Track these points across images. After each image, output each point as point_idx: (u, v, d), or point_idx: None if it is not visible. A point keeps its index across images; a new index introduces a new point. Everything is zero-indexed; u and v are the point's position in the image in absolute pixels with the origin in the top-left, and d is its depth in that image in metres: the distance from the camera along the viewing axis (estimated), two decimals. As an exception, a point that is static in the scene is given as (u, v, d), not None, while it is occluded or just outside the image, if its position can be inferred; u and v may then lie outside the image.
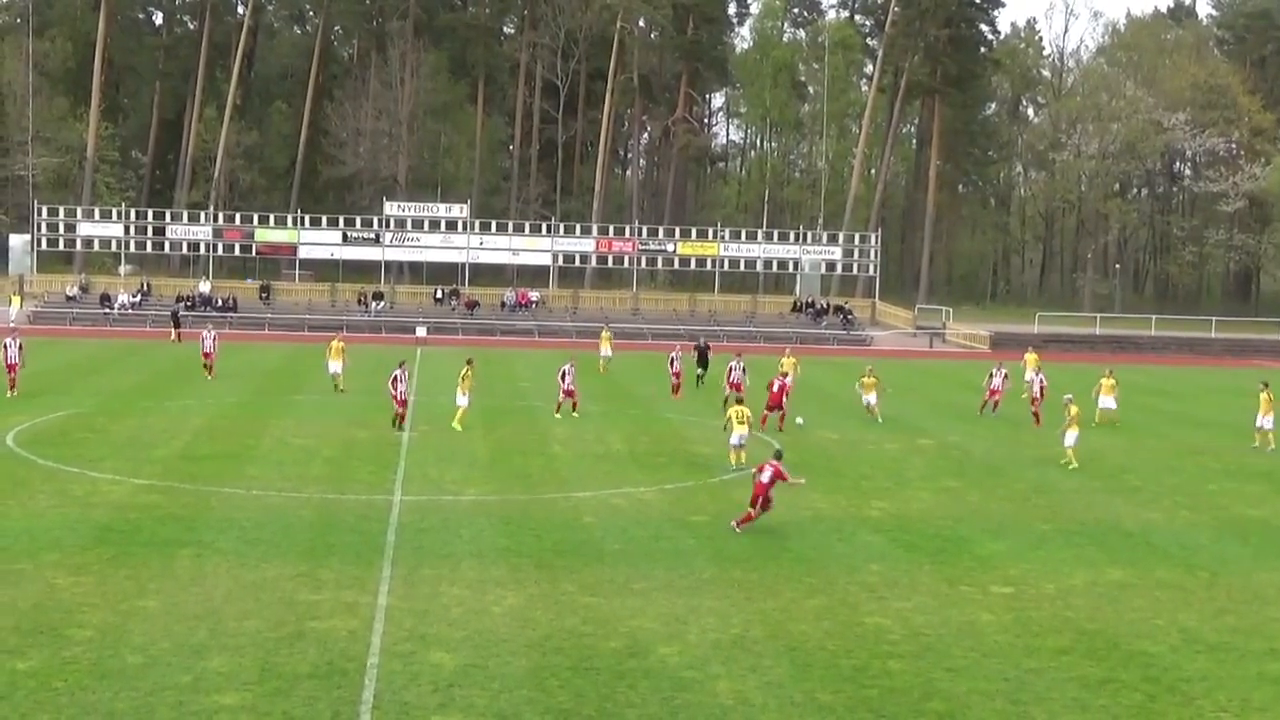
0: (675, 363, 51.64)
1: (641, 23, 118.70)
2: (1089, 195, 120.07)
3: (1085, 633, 21.06)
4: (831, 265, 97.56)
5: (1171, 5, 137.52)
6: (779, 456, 27.83)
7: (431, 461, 34.70)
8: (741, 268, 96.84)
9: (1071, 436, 37.26)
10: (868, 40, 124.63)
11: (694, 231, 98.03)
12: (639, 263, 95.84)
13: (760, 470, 27.60)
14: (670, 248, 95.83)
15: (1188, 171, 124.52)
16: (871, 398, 45.54)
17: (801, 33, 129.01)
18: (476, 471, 33.57)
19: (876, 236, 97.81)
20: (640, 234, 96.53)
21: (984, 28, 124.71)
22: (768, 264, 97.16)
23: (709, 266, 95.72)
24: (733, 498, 31.03)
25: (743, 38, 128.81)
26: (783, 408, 42.72)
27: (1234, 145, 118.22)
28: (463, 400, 40.40)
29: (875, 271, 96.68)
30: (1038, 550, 26.75)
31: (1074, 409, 37.67)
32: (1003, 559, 25.83)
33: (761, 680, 18.21)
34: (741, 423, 34.64)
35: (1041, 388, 47.62)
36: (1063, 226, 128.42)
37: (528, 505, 29.50)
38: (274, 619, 20.16)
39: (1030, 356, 54.05)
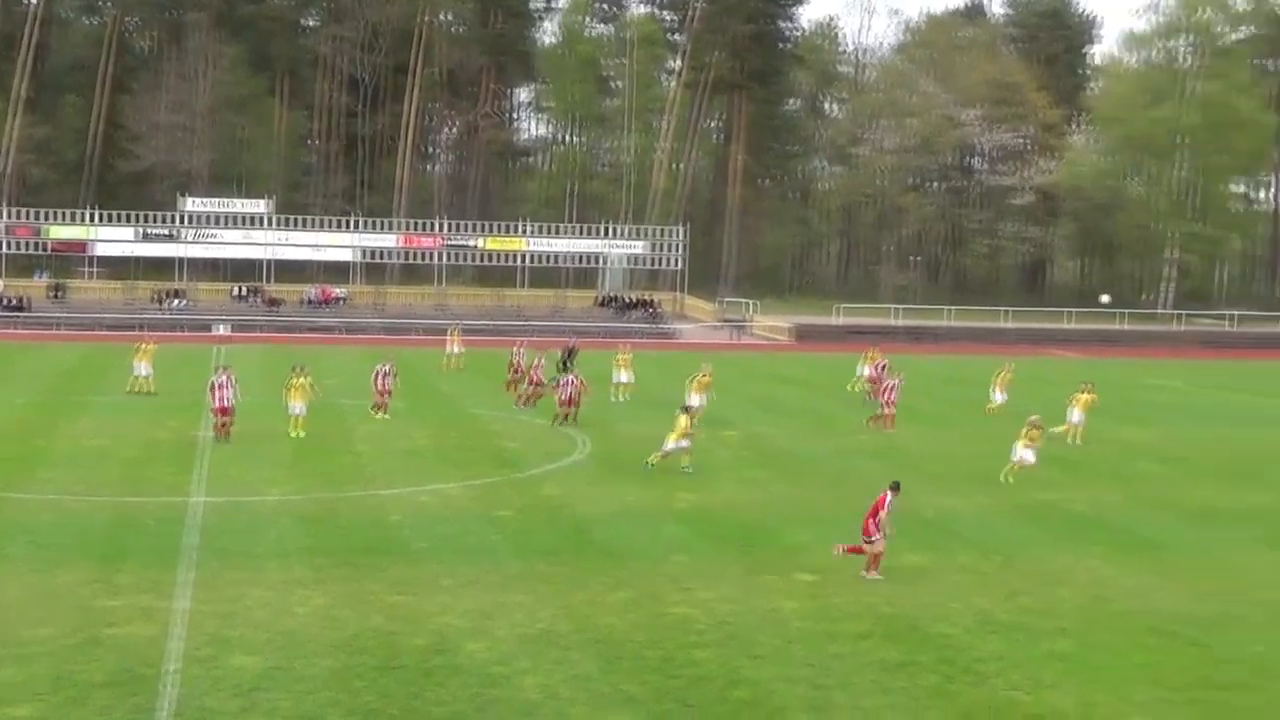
0: (517, 359, 50.89)
1: (446, 16, 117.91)
2: (888, 189, 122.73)
3: (885, 617, 21.55)
4: (637, 259, 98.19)
5: (967, 4, 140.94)
6: (896, 488, 24.62)
7: (234, 462, 34.03)
8: (548, 262, 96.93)
9: (1026, 453, 34.87)
10: (672, 36, 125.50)
11: (500, 226, 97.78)
12: (445, 258, 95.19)
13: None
14: (476, 243, 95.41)
15: (985, 166, 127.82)
16: (698, 399, 43.03)
17: (606, 27, 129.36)
18: (281, 471, 33.04)
19: (681, 230, 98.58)
20: (446, 229, 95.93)
21: (786, 24, 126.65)
22: (574, 258, 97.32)
23: (515, 261, 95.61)
24: (540, 493, 31.09)
25: (549, 32, 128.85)
26: (576, 404, 42.16)
27: (1025, 140, 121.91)
28: (297, 409, 39.08)
29: (680, 265, 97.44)
30: (839, 538, 27.17)
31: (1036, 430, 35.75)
32: (806, 548, 26.26)
33: (569, 674, 18.28)
34: (680, 432, 34.14)
35: (888, 385, 46.00)
36: (862, 219, 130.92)
37: (333, 504, 29.15)
38: (68, 626, 19.61)
39: (871, 353, 54.73)
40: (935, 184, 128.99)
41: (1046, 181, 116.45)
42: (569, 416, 41.33)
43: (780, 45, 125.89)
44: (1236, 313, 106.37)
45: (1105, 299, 38.18)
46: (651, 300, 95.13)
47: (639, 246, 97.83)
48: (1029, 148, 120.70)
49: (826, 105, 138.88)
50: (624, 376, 49.46)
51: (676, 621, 20.93)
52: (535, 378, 46.22)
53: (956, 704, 17.72)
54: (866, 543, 24.14)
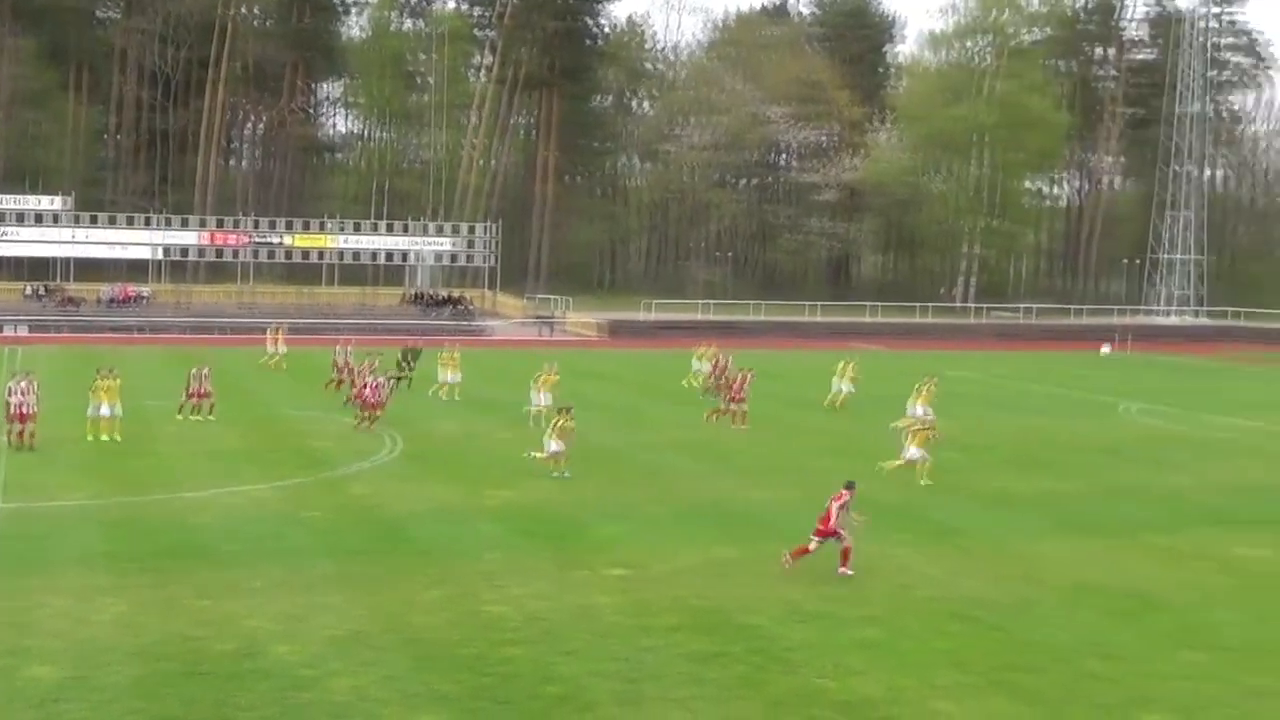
0: (342, 357, 49.63)
1: (251, 9, 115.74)
2: (696, 185, 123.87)
3: (696, 610, 21.73)
4: (447, 256, 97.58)
5: (773, 3, 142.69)
6: (850, 486, 24.97)
7: (33, 468, 32.94)
8: (356, 260, 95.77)
9: (915, 451, 34.64)
10: (482, 32, 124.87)
11: (307, 223, 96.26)
12: (251, 256, 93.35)
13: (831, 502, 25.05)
14: (283, 240, 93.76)
15: (792, 163, 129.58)
16: (544, 398, 42.67)
17: (415, 22, 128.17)
18: (81, 476, 32.07)
19: (491, 227, 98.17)
20: (251, 226, 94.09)
21: (595, 21, 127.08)
22: (383, 256, 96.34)
23: (323, 259, 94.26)
24: (350, 492, 30.73)
25: (356, 27, 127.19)
26: (380, 409, 41.43)
27: (830, 138, 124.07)
28: (106, 410, 37.72)
29: (491, 262, 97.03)
30: (651, 532, 27.45)
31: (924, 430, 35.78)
32: (618, 542, 26.39)
33: (380, 674, 18.08)
34: (553, 435, 33.69)
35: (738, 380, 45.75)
36: (672, 216, 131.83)
37: (137, 508, 28.40)
38: None
39: (706, 349, 55.07)
40: (743, 181, 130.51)
41: (851, 178, 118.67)
42: (373, 420, 40.62)
43: (590, 42, 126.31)
44: (1031, 306, 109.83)
45: (1105, 350, 37.16)
46: (462, 297, 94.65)
47: (449, 243, 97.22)
48: (834, 145, 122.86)
49: (636, 102, 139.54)
50: (451, 376, 49.04)
51: (490, 619, 20.84)
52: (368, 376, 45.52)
53: (766, 693, 17.93)
54: (819, 542, 24.24)
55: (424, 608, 21.35)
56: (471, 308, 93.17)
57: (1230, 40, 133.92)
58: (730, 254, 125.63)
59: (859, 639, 20.44)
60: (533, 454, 33.91)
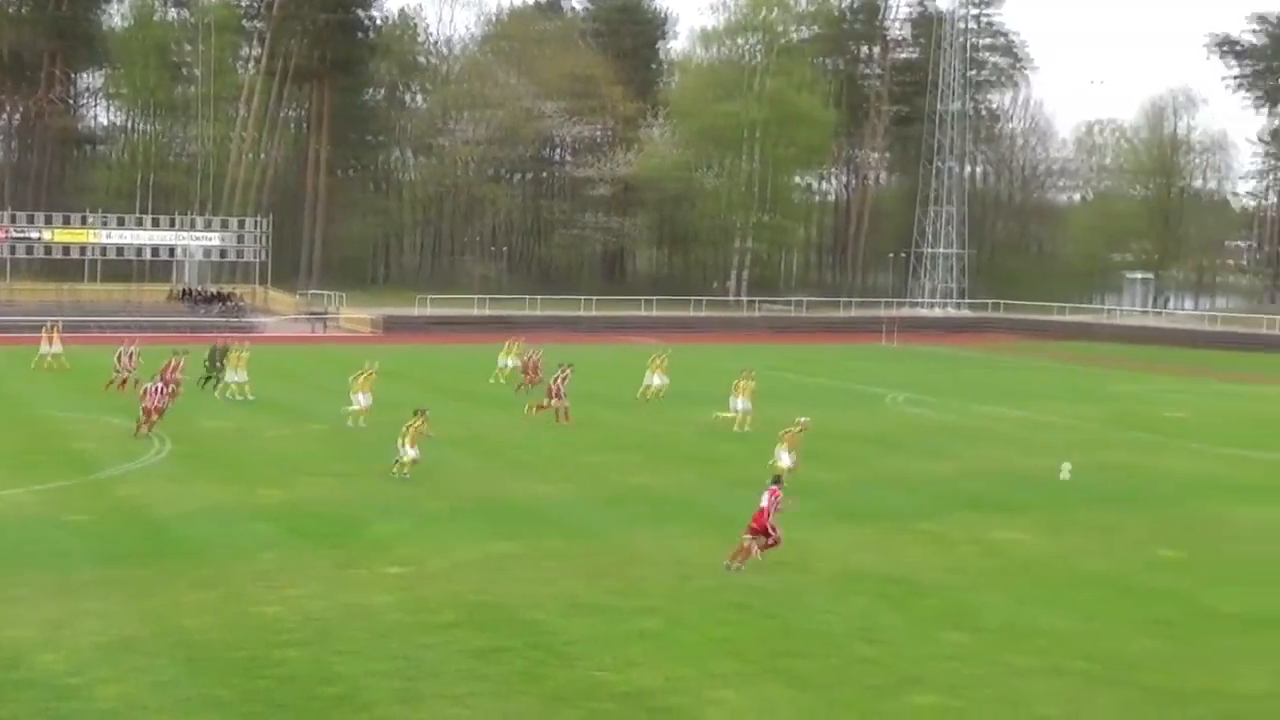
0: (127, 359, 47.93)
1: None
2: (471, 180, 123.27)
3: (475, 605, 21.67)
4: (216, 251, 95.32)
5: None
6: (778, 481, 25.48)
7: None
8: (120, 255, 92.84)
9: (785, 456, 33.70)
10: (250, 22, 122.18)
11: (68, 218, 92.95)
12: (8, 251, 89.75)
13: (762, 498, 25.15)
14: (42, 235, 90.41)
15: (567, 158, 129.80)
16: (363, 399, 42.05)
17: (180, 12, 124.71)
18: None
19: (262, 222, 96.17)
20: (8, 221, 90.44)
21: (367, 13, 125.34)
22: (148, 251, 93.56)
23: (85, 254, 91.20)
24: (117, 494, 29.88)
25: (118, 15, 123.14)
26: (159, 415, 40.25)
27: (604, 133, 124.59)
28: None
29: (262, 257, 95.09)
30: (430, 528, 27.29)
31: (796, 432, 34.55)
32: (396, 539, 26.17)
33: (150, 680, 17.60)
34: (408, 440, 32.85)
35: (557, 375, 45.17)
36: (447, 210, 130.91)
37: (-115, 515, 27.16)
38: None
39: (513, 344, 55.12)
40: (518, 175, 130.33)
41: (625, 173, 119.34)
42: (150, 425, 39.36)
43: (361, 34, 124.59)
44: (802, 299, 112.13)
45: (1065, 471, 36.08)
46: (231, 293, 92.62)
47: (217, 238, 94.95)
48: (608, 140, 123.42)
49: (409, 96, 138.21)
50: (239, 375, 47.91)
51: (264, 621, 20.47)
52: (172, 378, 44.00)
53: (545, 687, 17.98)
54: (753, 539, 24.39)
55: (195, 611, 20.85)
56: (241, 304, 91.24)
57: (989, 41, 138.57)
58: (505, 249, 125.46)
59: (638, 630, 20.62)
60: (401, 462, 33.01)
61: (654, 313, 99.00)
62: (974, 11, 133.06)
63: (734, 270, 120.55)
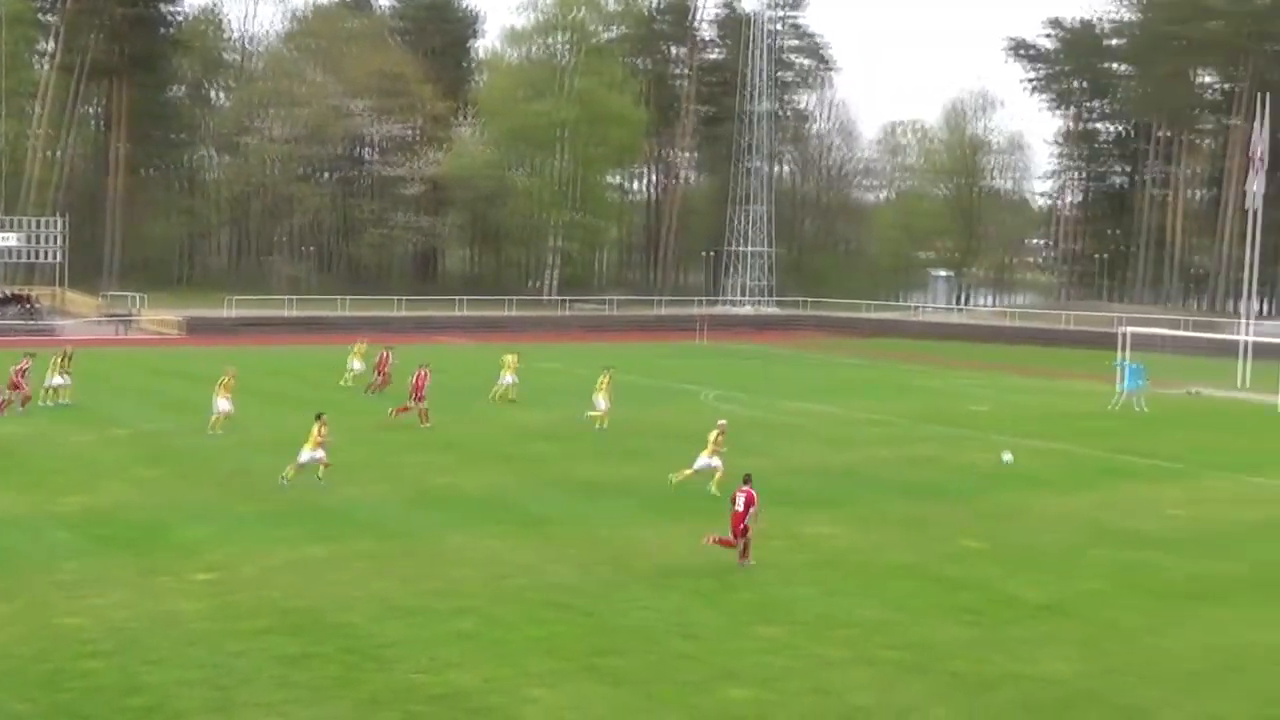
0: None
1: None
2: (278, 179, 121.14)
3: (287, 611, 21.35)
4: (11, 252, 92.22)
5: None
6: (748, 480, 25.68)
7: None
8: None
9: (712, 460, 32.61)
10: (45, 16, 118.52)
11: None
12: None
13: (734, 499, 25.55)
14: None
15: (376, 156, 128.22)
16: (224, 404, 40.91)
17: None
18: None
19: (59, 221, 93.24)
20: None
21: (168, 8, 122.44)
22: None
23: None
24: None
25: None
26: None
27: (414, 131, 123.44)
28: None
29: (59, 258, 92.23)
30: (239, 533, 26.79)
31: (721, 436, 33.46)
32: (204, 545, 25.63)
33: (-54, 697, 17.02)
34: (314, 440, 31.99)
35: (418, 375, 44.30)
36: (253, 209, 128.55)
37: None
38: None
39: (360, 345, 55.06)
40: (326, 174, 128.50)
41: (436, 172, 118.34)
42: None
43: (162, 30, 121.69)
44: (615, 298, 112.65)
45: (1007, 457, 37.86)
46: (27, 295, 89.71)
47: (13, 239, 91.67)
48: (418, 139, 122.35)
49: (213, 93, 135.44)
50: (58, 380, 46.32)
51: (67, 632, 19.88)
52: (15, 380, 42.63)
53: (360, 691, 17.78)
54: (739, 534, 24.94)
55: (-6, 624, 20.21)
56: (38, 306, 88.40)
57: (795, 43, 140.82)
58: (313, 248, 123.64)
59: (454, 631, 20.52)
60: (300, 465, 32.32)
61: (466, 312, 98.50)
62: (780, 14, 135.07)
63: (546, 269, 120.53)
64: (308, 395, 49.27)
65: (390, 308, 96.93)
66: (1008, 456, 38.07)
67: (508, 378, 50.78)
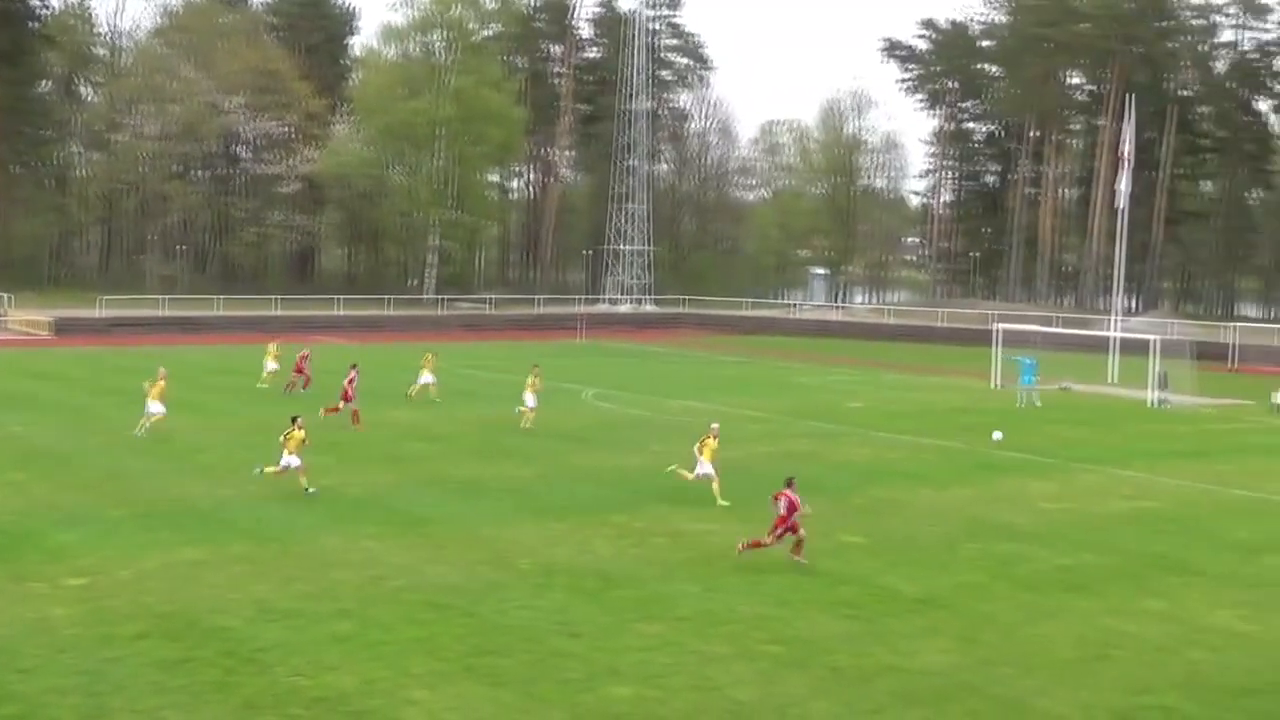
0: None
1: None
2: (150, 176, 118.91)
3: (162, 615, 21.01)
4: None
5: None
6: (791, 484, 25.70)
7: None
8: None
9: (706, 467, 31.95)
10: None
11: None
12: None
13: (775, 500, 25.54)
14: None
15: (251, 154, 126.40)
16: (156, 407, 39.98)
17: None
18: None
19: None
20: None
21: (36, 2, 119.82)
22: None
23: None
24: None
25: None
26: None
27: (290, 129, 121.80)
28: None
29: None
30: (111, 537, 26.30)
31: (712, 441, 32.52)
32: (75, 550, 25.12)
33: None
34: (287, 448, 31.19)
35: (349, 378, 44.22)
36: (125, 208, 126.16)
37: None
38: None
39: (273, 346, 54.50)
40: (200, 172, 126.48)
41: (312, 170, 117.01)
42: None
43: (30, 24, 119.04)
44: (495, 297, 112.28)
45: (997, 436, 37.86)
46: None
47: None
48: (294, 136, 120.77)
49: (83, 89, 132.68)
50: None
51: (-68, 641, 19.41)
52: None
53: (238, 695, 17.55)
54: (776, 537, 25.14)
55: None
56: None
57: (672, 42, 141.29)
58: (186, 247, 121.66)
59: (332, 633, 20.32)
60: (262, 469, 31.67)
61: (344, 311, 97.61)
62: (658, 13, 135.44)
63: (425, 268, 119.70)
64: (185, 397, 48.42)
65: (267, 307, 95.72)
66: (997, 435, 40.00)
67: (426, 377, 50.72)
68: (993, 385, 62.55)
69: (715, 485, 31.31)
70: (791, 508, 25.38)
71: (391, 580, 23.60)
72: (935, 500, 33.30)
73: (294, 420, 32.25)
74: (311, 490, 31.07)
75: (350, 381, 43.61)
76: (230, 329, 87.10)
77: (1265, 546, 28.85)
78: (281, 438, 31.76)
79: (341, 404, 43.07)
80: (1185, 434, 48.61)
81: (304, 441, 31.81)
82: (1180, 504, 33.84)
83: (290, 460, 31.36)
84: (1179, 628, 22.24)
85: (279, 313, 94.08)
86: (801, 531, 25.57)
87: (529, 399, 44.28)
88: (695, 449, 31.75)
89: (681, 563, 25.71)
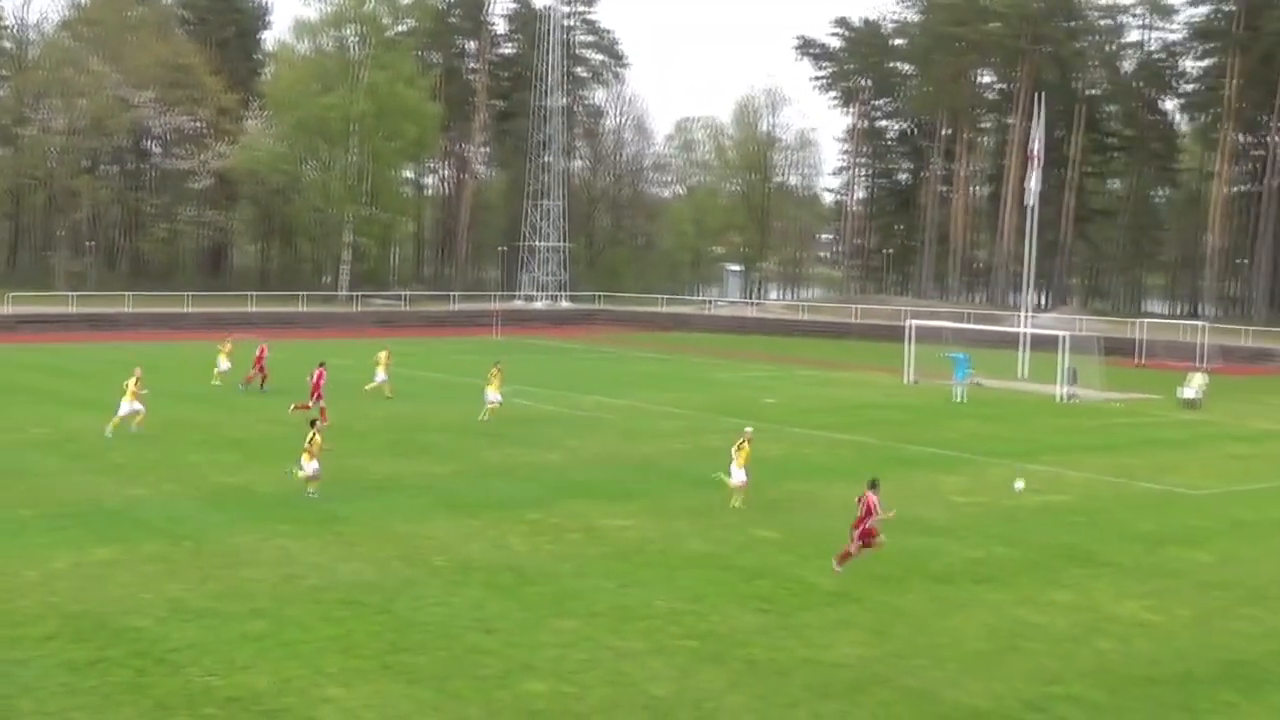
0: None
1: None
2: (58, 171, 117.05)
3: (71, 615, 20.73)
4: None
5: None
6: (874, 486, 25.52)
7: None
8: None
9: (739, 472, 31.01)
10: None
11: None
12: None
13: (859, 503, 25.37)
14: None
15: (161, 149, 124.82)
16: (128, 406, 39.80)
17: None
18: None
19: None
20: None
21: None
22: None
23: None
24: None
25: None
26: None
27: (202, 124, 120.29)
28: None
29: None
30: (19, 538, 25.90)
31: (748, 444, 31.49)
32: (-18, 550, 24.75)
33: None
34: (309, 453, 30.60)
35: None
36: (32, 203, 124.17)
37: None
38: None
39: (220, 347, 54.44)
40: (110, 167, 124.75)
41: (224, 165, 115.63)
42: None
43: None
44: (408, 293, 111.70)
45: (1019, 485, 33.16)
46: None
47: None
48: (206, 131, 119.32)
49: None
50: None
51: None
52: None
53: (150, 696, 17.36)
54: (863, 544, 24.99)
55: None
56: None
57: (587, 38, 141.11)
58: (95, 244, 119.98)
59: (246, 633, 20.15)
60: (291, 471, 31.17)
61: (257, 308, 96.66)
62: (573, 9, 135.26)
63: (340, 265, 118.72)
64: (95, 395, 47.80)
65: (179, 304, 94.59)
66: (1019, 485, 34.18)
67: (380, 375, 51.11)
68: (906, 381, 63.13)
69: (740, 492, 30.68)
70: (868, 511, 25.22)
71: (305, 578, 23.44)
72: (848, 495, 33.40)
73: (313, 423, 32.12)
74: (311, 492, 30.67)
75: (318, 379, 43.95)
76: (141, 326, 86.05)
77: (1169, 538, 29.38)
78: (306, 443, 31.04)
79: (311, 402, 43.25)
80: (1093, 428, 49.34)
81: (320, 447, 31.10)
82: (1088, 497, 34.37)
83: (308, 466, 30.83)
84: (1086, 618, 22.60)
85: (191, 310, 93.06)
86: (880, 538, 25.37)
87: (491, 395, 44.29)
88: (732, 451, 31.11)
89: (596, 558, 25.75)
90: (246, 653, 19.19)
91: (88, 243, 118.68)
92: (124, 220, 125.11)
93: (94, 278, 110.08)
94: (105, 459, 35.34)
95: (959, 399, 56.06)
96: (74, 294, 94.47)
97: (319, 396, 43.46)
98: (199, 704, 17.14)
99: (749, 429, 33.20)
